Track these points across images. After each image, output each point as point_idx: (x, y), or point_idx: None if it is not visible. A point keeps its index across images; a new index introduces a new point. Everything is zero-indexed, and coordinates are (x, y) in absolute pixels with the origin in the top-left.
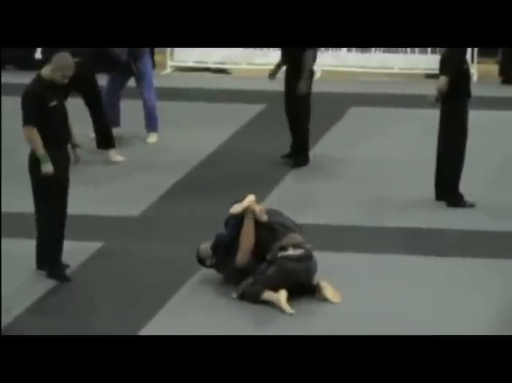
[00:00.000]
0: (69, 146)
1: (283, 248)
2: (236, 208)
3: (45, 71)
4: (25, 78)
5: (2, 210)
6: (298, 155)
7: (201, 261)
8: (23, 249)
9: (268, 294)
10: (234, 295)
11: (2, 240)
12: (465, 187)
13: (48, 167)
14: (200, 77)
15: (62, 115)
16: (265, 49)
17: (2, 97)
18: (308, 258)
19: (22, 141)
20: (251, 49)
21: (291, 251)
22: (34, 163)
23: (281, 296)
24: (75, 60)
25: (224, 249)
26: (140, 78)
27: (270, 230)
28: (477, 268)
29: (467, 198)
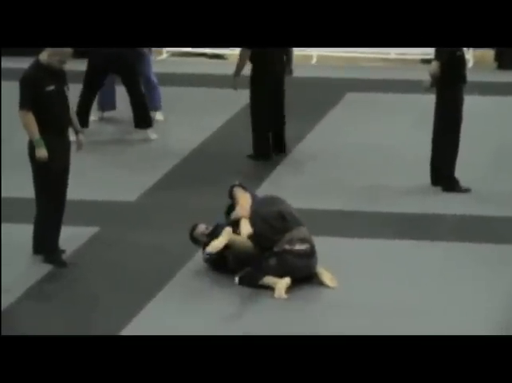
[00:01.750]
0: (72, 131)
1: (290, 241)
2: (218, 244)
3: (43, 56)
4: (25, 64)
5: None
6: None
7: (195, 241)
8: (20, 234)
9: (268, 279)
10: (236, 280)
11: None
12: (460, 172)
13: (42, 152)
14: (196, 63)
15: (61, 100)
16: None
17: (4, 82)
18: (311, 254)
19: (21, 126)
20: None
21: (297, 246)
22: (33, 148)
23: (281, 282)
24: None
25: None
26: (142, 59)
27: (281, 219)
28: (473, 253)
29: (463, 183)
